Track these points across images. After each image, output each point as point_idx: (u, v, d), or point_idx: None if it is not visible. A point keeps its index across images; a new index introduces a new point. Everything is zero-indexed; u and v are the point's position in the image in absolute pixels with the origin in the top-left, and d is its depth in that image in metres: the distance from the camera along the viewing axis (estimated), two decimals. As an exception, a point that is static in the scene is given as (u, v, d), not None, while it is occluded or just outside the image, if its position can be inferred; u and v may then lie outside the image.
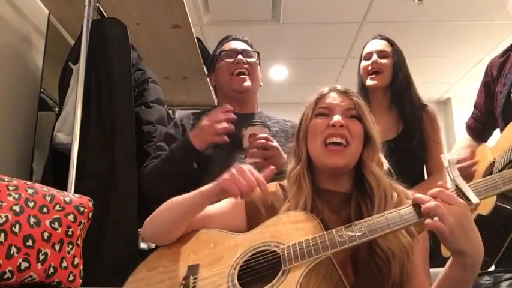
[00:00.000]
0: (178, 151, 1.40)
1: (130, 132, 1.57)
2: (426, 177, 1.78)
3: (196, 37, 2.14)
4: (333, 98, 1.07)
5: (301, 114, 1.11)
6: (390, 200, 0.97)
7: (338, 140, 1.01)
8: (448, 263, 0.85)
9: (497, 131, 1.60)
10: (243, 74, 1.57)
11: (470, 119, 1.73)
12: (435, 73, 4.18)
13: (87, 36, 1.60)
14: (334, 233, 0.87)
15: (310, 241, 0.87)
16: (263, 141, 1.32)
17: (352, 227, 0.87)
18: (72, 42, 1.88)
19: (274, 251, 0.89)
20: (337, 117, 1.02)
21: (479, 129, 1.67)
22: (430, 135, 1.75)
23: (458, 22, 3.37)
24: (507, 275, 1.37)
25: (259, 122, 1.40)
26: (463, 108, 4.56)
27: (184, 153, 1.38)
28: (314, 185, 1.03)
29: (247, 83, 1.57)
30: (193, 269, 0.94)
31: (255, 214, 1.04)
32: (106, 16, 1.78)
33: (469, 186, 0.85)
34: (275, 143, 1.33)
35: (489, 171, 1.44)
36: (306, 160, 1.05)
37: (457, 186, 0.86)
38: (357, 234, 0.85)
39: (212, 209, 1.08)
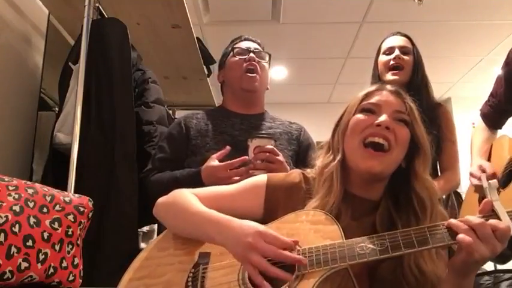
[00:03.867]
0: (186, 180, 1.38)
1: (130, 132, 1.57)
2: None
3: (196, 37, 2.14)
4: (384, 96, 0.96)
5: (344, 108, 1.00)
6: (436, 221, 0.87)
7: (381, 141, 0.91)
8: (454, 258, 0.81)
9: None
10: (254, 71, 1.56)
11: (486, 106, 1.71)
12: (435, 73, 4.13)
13: (87, 36, 1.59)
14: (355, 243, 0.82)
15: (328, 248, 0.82)
16: (268, 154, 1.31)
17: (374, 239, 0.81)
18: (72, 42, 1.88)
19: None
20: (383, 117, 0.92)
21: (495, 117, 1.67)
22: (445, 133, 1.76)
23: (458, 22, 3.37)
24: (507, 275, 1.38)
25: (266, 134, 1.40)
26: (463, 108, 4.55)
27: (191, 184, 1.35)
28: (344, 188, 0.95)
29: (257, 83, 1.57)
30: (204, 257, 0.92)
31: (275, 201, 0.98)
32: (106, 16, 1.78)
33: (506, 212, 0.81)
34: (280, 157, 1.33)
35: (508, 169, 1.45)
36: (341, 158, 0.96)
37: (493, 210, 0.83)
38: (378, 248, 0.80)
39: (231, 188, 1.03)
